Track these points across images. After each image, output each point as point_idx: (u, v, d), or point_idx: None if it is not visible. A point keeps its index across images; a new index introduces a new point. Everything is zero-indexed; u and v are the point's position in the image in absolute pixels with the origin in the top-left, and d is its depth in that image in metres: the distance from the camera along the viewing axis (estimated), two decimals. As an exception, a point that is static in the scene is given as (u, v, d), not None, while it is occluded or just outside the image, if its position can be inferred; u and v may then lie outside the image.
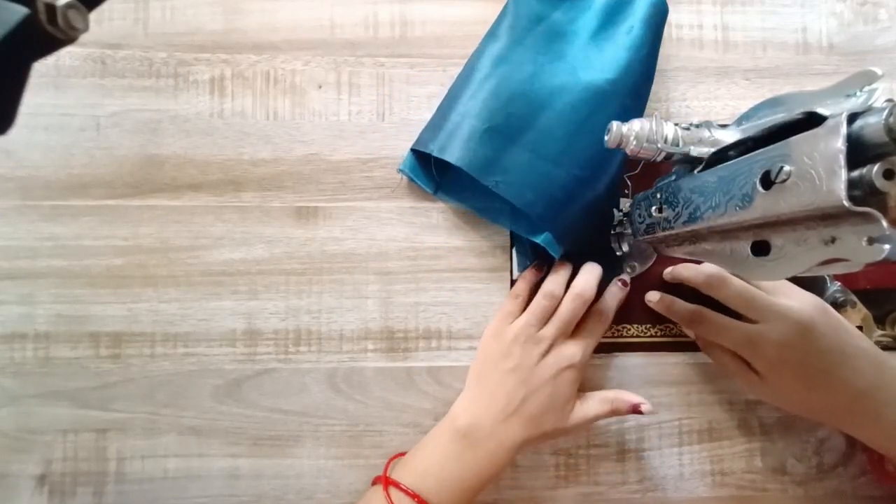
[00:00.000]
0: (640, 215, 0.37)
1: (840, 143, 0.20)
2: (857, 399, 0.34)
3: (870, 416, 0.34)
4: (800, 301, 0.36)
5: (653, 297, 0.41)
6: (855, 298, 0.41)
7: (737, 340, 0.37)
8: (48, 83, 0.41)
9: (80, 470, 0.39)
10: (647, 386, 0.42)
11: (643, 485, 0.41)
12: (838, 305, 0.41)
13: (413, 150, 0.41)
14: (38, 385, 0.40)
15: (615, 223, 0.41)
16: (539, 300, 0.38)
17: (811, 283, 0.41)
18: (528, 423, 0.36)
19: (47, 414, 0.39)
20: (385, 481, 0.35)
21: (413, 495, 0.34)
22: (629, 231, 0.39)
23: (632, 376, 0.42)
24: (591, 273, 0.39)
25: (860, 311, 0.41)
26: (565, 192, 0.38)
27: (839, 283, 0.41)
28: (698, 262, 0.40)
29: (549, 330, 0.37)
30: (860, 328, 0.41)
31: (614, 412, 0.38)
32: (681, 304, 0.40)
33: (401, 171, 0.42)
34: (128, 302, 0.40)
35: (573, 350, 0.37)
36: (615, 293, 0.40)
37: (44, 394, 0.39)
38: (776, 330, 0.35)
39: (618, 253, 0.41)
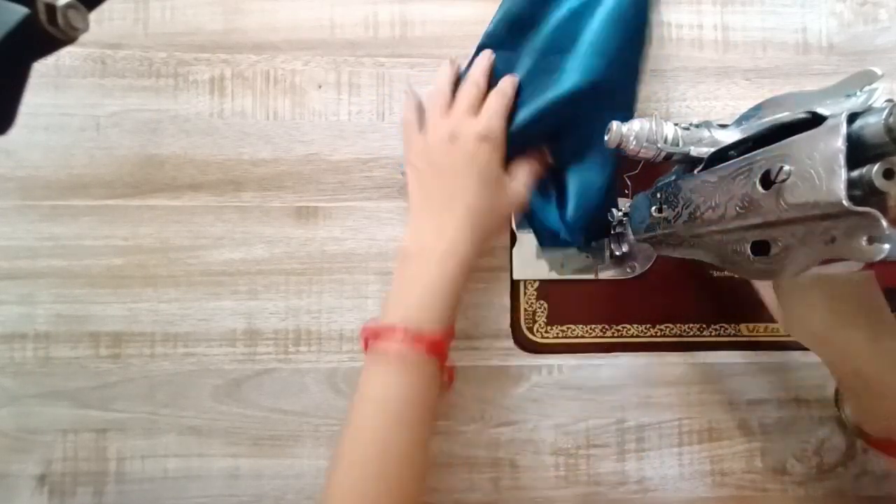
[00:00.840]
0: (639, 215, 0.37)
1: (840, 143, 0.20)
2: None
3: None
4: None
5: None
6: None
7: None
8: (48, 83, 0.41)
9: (80, 470, 0.39)
10: (647, 386, 0.42)
11: (643, 485, 0.41)
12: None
13: None
14: (38, 385, 0.40)
15: (615, 223, 0.41)
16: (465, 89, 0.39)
17: None
18: (470, 209, 0.36)
19: (47, 414, 0.39)
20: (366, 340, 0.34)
21: (391, 330, 0.32)
22: (629, 231, 0.39)
23: (632, 376, 0.42)
24: (483, 60, 0.40)
25: None
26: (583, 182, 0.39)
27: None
28: (697, 262, 0.40)
29: (453, 114, 0.38)
30: None
31: (537, 173, 0.39)
32: None
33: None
34: (128, 302, 0.40)
35: (479, 124, 0.37)
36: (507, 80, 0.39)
37: (44, 394, 0.39)
38: None
39: (617, 253, 0.41)
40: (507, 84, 0.39)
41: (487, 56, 0.40)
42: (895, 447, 0.32)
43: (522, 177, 0.39)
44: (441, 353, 0.33)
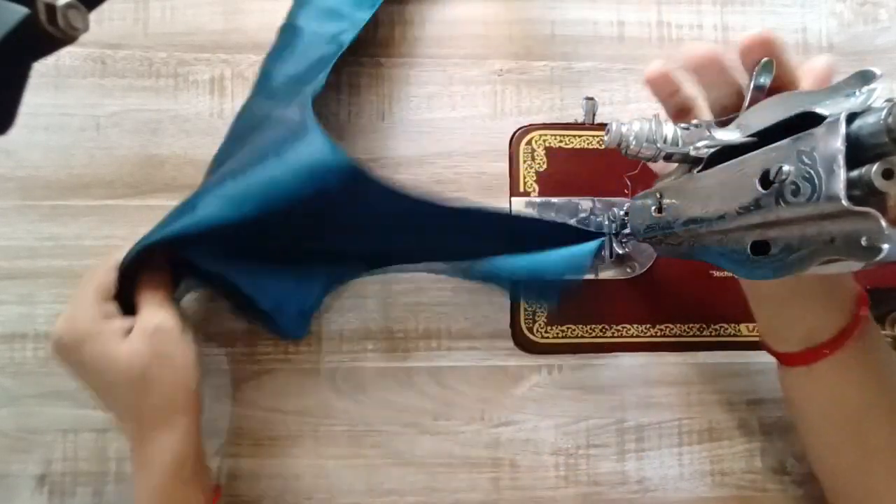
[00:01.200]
0: (639, 215, 0.37)
1: (839, 143, 0.20)
2: None
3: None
4: None
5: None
6: None
7: None
8: (48, 83, 0.41)
9: (80, 470, 0.39)
10: (647, 386, 0.42)
11: (643, 485, 0.41)
12: None
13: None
14: (38, 385, 0.40)
15: (617, 224, 0.41)
16: None
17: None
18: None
19: (47, 414, 0.39)
20: None
21: None
22: (629, 231, 0.39)
23: (632, 376, 0.42)
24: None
25: None
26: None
27: None
28: (697, 262, 0.40)
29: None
30: None
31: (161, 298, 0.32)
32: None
33: None
34: (128, 302, 0.40)
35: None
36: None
37: (44, 394, 0.39)
38: None
39: (620, 252, 0.41)
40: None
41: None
42: (812, 353, 0.31)
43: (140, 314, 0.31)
44: None
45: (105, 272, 0.31)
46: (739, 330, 0.42)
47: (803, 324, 0.31)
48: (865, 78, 0.23)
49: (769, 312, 0.33)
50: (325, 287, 0.40)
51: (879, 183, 0.20)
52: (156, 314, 0.30)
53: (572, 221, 0.42)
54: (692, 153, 0.30)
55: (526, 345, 0.42)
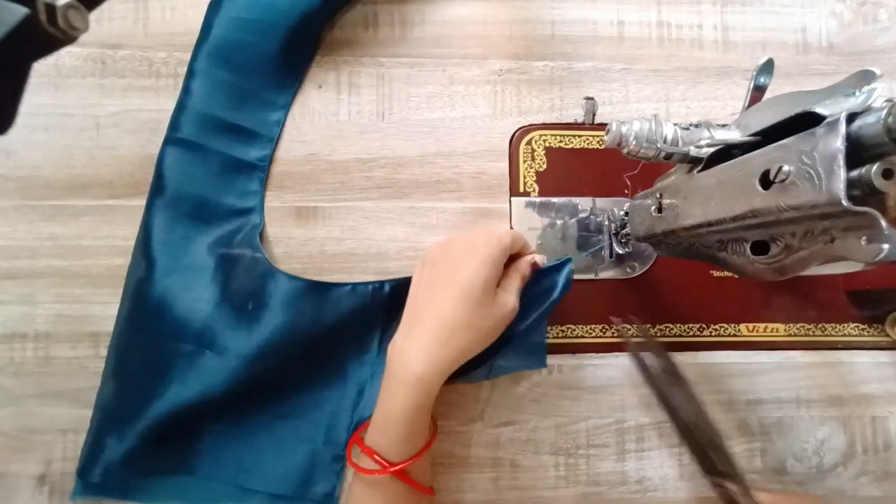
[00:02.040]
0: (639, 216, 0.37)
1: (839, 143, 0.20)
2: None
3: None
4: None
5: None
6: None
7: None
8: (48, 83, 0.41)
9: (80, 470, 0.39)
10: (647, 386, 0.42)
11: (643, 485, 0.41)
12: None
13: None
14: (38, 385, 0.40)
15: (617, 224, 0.41)
16: None
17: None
18: (443, 324, 0.33)
19: (47, 414, 0.39)
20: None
21: (369, 452, 0.33)
22: (629, 232, 0.39)
23: (632, 376, 0.42)
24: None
25: None
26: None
27: None
28: (697, 262, 0.40)
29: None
30: None
31: (524, 278, 0.36)
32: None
33: None
34: (128, 302, 0.40)
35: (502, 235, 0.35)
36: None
37: (44, 394, 0.39)
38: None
39: (620, 252, 0.41)
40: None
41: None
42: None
43: (512, 285, 0.35)
44: (406, 478, 0.34)
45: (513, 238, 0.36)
46: (739, 330, 0.42)
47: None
48: (865, 78, 0.23)
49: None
50: None
51: (879, 183, 0.20)
52: (514, 299, 0.35)
53: (572, 221, 0.42)
54: (692, 153, 0.30)
55: (526, 345, 0.42)
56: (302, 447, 0.38)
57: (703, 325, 0.42)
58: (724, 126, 0.30)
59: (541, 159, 0.43)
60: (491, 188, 0.43)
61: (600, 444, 0.41)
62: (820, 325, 0.42)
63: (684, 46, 0.44)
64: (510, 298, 0.35)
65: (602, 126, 0.43)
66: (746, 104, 0.30)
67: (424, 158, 0.43)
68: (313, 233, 0.42)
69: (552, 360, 0.41)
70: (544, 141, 0.43)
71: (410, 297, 0.36)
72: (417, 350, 0.33)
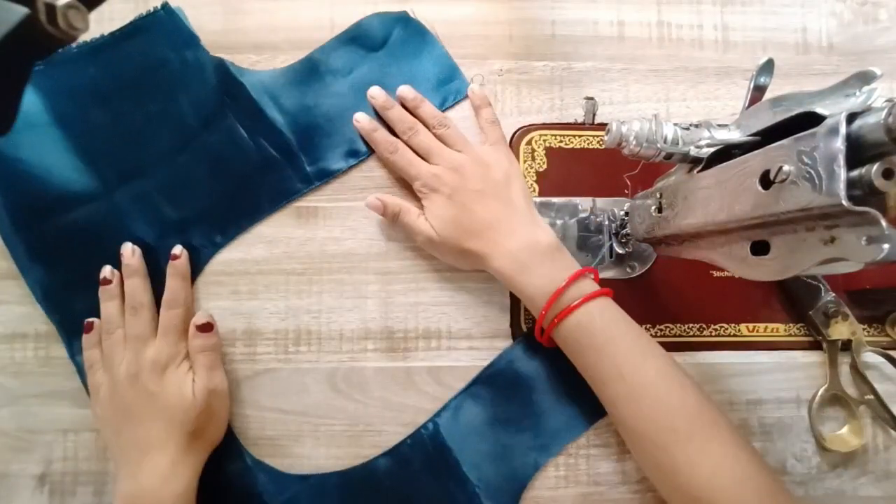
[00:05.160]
0: (639, 216, 0.37)
1: (839, 143, 0.20)
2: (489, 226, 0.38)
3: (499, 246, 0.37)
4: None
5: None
6: (848, 311, 0.41)
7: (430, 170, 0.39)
8: (48, 83, 0.41)
9: (81, 469, 0.39)
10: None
11: (643, 485, 0.41)
12: (829, 315, 0.41)
13: None
14: (38, 385, 0.40)
15: (617, 224, 0.41)
16: None
17: (806, 291, 0.41)
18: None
19: (47, 414, 0.39)
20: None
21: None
22: (629, 231, 0.39)
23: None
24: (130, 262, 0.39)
25: (851, 325, 0.41)
26: None
27: (833, 294, 0.41)
28: (697, 262, 0.40)
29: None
30: (849, 342, 0.41)
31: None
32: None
33: None
34: (128, 302, 0.40)
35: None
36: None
37: (44, 394, 0.40)
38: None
39: (621, 252, 0.41)
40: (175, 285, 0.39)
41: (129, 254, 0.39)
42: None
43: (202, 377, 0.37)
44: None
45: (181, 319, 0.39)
46: (739, 330, 0.42)
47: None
48: (865, 78, 0.23)
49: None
50: None
51: (879, 183, 0.20)
52: (213, 377, 0.37)
53: (572, 221, 0.42)
54: (692, 153, 0.30)
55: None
56: None
57: (703, 325, 0.42)
58: (724, 126, 0.30)
59: (541, 159, 0.43)
60: (491, 188, 0.43)
61: (600, 444, 0.41)
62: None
63: (684, 46, 0.44)
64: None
65: (602, 126, 0.43)
66: (746, 104, 0.30)
67: (424, 158, 0.43)
68: (313, 233, 0.42)
69: (552, 360, 0.41)
70: (544, 141, 0.43)
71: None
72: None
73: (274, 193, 0.41)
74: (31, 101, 0.39)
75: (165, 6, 0.41)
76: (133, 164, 0.40)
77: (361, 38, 0.42)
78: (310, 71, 0.42)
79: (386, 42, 0.42)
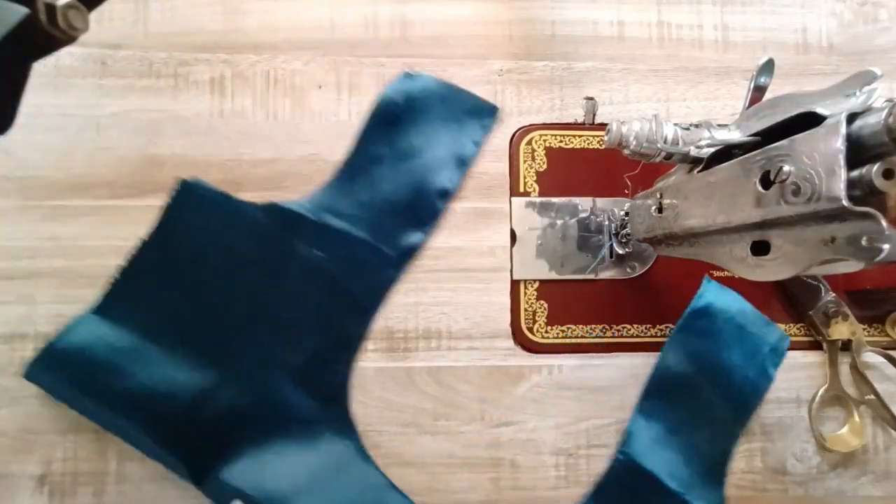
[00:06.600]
0: (639, 216, 0.37)
1: (839, 143, 0.20)
2: None
3: None
4: None
5: None
6: (848, 311, 0.41)
7: None
8: (48, 83, 0.41)
9: (81, 470, 0.39)
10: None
11: (643, 485, 0.41)
12: (829, 315, 0.41)
13: None
14: (38, 385, 0.40)
15: (617, 224, 0.41)
16: None
17: (806, 291, 0.41)
18: None
19: (47, 414, 0.39)
20: None
21: None
22: (629, 231, 0.39)
23: (632, 376, 0.42)
24: None
25: (851, 325, 0.41)
26: None
27: (833, 294, 0.41)
28: (697, 262, 0.40)
29: None
30: (849, 342, 0.41)
31: None
32: None
33: None
34: (128, 302, 0.40)
35: None
36: None
37: (44, 394, 0.39)
38: None
39: (621, 252, 0.41)
40: None
41: None
42: None
43: None
44: None
45: None
46: (739, 330, 0.42)
47: None
48: (865, 78, 0.23)
49: None
50: None
51: (880, 183, 0.20)
52: None
53: (572, 221, 0.42)
54: (692, 153, 0.30)
55: (526, 345, 0.42)
56: None
57: (704, 325, 0.42)
58: (724, 126, 0.30)
59: (541, 159, 0.43)
60: (491, 188, 0.43)
61: (600, 444, 0.41)
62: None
63: (684, 46, 0.44)
64: None
65: (602, 126, 0.43)
66: (746, 104, 0.30)
67: (424, 158, 0.43)
68: (313, 233, 0.42)
69: (553, 360, 0.41)
70: (544, 141, 0.43)
71: None
72: None
73: (373, 293, 0.41)
74: (110, 334, 0.39)
75: (182, 182, 0.40)
76: (235, 336, 0.39)
77: (382, 117, 0.42)
78: (352, 172, 0.42)
79: (408, 108, 0.42)
